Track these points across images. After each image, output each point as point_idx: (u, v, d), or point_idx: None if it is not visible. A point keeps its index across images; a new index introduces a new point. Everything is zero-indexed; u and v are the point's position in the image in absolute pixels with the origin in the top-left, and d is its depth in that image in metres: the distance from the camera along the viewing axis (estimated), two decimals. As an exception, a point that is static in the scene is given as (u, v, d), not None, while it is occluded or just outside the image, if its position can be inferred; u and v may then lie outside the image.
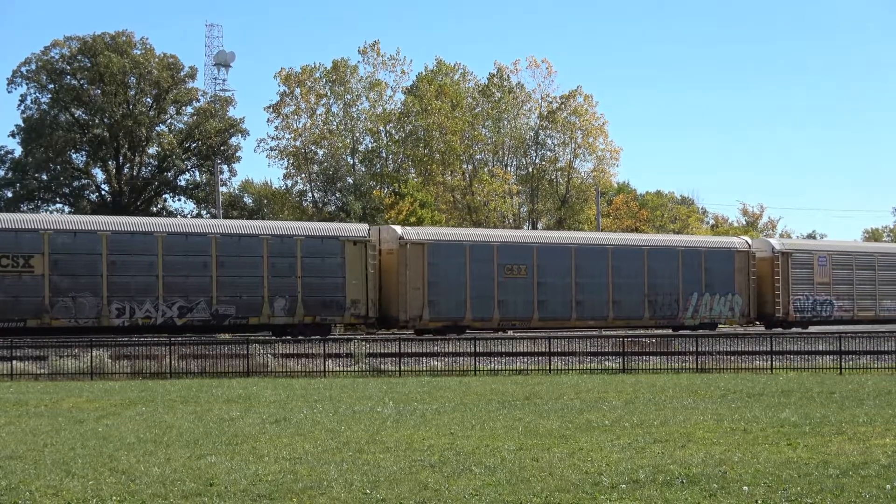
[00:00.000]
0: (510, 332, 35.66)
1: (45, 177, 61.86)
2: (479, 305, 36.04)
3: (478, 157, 69.04)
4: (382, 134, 66.82)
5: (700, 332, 35.70)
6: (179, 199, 67.96)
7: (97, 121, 61.09)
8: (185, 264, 32.49)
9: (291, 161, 64.74)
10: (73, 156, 62.76)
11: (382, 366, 26.08)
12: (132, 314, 31.70)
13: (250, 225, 35.92)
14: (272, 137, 64.74)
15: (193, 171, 65.11)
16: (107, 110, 60.07)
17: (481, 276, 36.13)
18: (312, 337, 30.12)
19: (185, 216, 63.78)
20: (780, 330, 39.31)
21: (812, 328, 40.90)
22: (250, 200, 65.61)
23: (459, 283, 35.80)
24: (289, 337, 31.37)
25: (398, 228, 36.17)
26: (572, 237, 40.92)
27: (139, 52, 61.27)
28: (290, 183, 65.76)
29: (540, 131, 68.37)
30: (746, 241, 42.84)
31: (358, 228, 36.04)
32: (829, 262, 43.34)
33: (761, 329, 40.98)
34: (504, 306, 36.54)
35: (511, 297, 36.69)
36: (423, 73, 67.79)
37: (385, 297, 35.27)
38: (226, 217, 56.41)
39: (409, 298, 34.88)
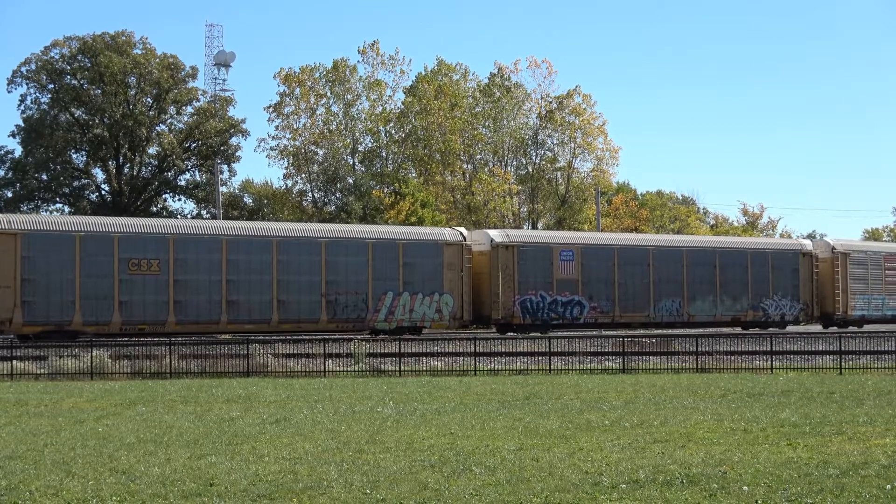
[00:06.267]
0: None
1: (45, 177, 61.88)
2: (93, 307, 31.39)
3: (478, 156, 69.06)
4: (382, 134, 66.84)
5: (402, 334, 32.90)
6: (179, 199, 68.10)
7: (97, 121, 61.10)
8: None
9: (291, 161, 64.79)
10: (73, 156, 62.82)
11: (382, 366, 26.09)
12: None
13: None
14: (272, 137, 64.92)
15: (193, 171, 65.15)
16: (107, 110, 60.06)
17: (97, 273, 31.45)
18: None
19: (185, 216, 63.79)
20: (513, 334, 34.32)
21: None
22: (250, 200, 65.66)
23: (66, 281, 31.09)
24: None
25: None
26: (222, 227, 35.76)
27: (139, 52, 61.29)
28: (290, 183, 65.88)
29: (539, 131, 68.38)
30: (461, 233, 37.33)
31: None
32: (577, 256, 38.08)
33: (494, 333, 36.77)
34: (128, 307, 31.88)
35: (139, 296, 32.01)
36: (424, 73, 67.79)
37: None
38: (226, 217, 56.27)
39: None
